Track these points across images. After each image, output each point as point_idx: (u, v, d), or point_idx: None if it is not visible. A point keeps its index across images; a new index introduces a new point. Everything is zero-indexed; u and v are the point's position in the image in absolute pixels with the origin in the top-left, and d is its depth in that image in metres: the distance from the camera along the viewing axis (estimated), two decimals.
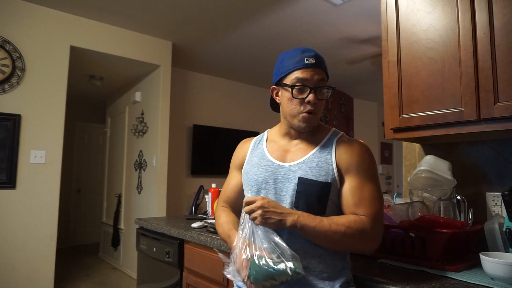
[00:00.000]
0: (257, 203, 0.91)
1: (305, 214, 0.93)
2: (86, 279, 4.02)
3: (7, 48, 2.82)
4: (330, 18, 3.26)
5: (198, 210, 2.79)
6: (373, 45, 3.90)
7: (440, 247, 1.12)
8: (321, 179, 0.97)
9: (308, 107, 1.00)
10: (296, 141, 1.08)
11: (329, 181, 0.97)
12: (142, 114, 4.12)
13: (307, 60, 0.99)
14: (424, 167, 1.36)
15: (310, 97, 0.99)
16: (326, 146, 1.04)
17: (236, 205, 1.19)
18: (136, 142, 4.22)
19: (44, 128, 2.98)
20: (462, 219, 1.31)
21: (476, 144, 1.45)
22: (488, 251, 1.22)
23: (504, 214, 1.24)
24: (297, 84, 1.00)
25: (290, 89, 1.01)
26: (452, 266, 1.07)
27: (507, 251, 1.17)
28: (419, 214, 1.33)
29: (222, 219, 1.15)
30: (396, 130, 1.38)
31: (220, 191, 2.68)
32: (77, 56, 3.37)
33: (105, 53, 3.38)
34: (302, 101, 1.00)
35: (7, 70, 2.80)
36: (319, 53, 1.04)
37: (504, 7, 1.10)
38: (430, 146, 1.61)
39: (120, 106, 4.77)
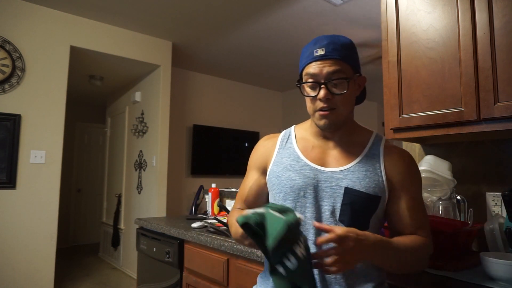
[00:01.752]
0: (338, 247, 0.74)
1: (380, 239, 0.81)
2: (86, 279, 4.02)
3: (7, 48, 2.82)
4: (330, 18, 3.26)
5: (198, 210, 2.79)
6: (373, 45, 3.90)
7: (440, 247, 1.12)
8: (370, 191, 0.87)
9: (321, 105, 0.89)
10: (332, 142, 0.96)
11: (379, 195, 0.88)
12: (142, 114, 4.12)
13: (316, 52, 0.89)
14: (424, 167, 1.36)
15: (321, 93, 0.88)
16: (372, 153, 0.93)
17: (252, 204, 1.07)
18: (136, 142, 4.22)
19: (44, 128, 2.98)
20: (462, 219, 1.31)
21: (476, 144, 1.45)
22: (488, 251, 1.22)
23: (504, 214, 1.24)
24: (308, 81, 0.90)
25: (303, 87, 0.92)
26: (452, 266, 1.07)
27: (507, 251, 1.17)
28: None
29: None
30: (396, 130, 1.38)
31: (220, 191, 2.69)
32: (77, 56, 3.37)
33: (105, 53, 3.38)
34: (315, 98, 0.90)
35: (7, 70, 2.80)
36: (338, 39, 0.91)
37: (504, 7, 1.10)
38: (430, 146, 1.61)
39: (120, 106, 4.77)
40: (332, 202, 0.88)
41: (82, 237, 5.95)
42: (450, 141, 1.51)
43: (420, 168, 1.38)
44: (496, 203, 1.36)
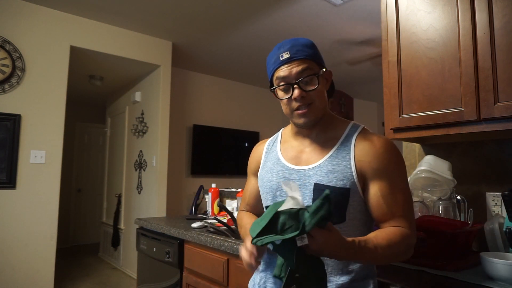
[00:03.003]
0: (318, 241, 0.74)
1: (361, 239, 0.81)
2: (86, 279, 4.02)
3: (7, 48, 2.82)
4: (330, 18, 3.26)
5: (198, 210, 2.79)
6: (373, 46, 3.90)
7: (440, 247, 1.12)
8: (338, 184, 0.88)
9: (297, 104, 0.92)
10: (309, 140, 0.99)
11: (348, 186, 0.88)
12: (142, 114, 4.12)
13: (281, 56, 0.93)
14: (424, 167, 1.36)
15: (295, 93, 0.91)
16: (344, 145, 0.93)
17: (257, 210, 1.14)
18: (136, 142, 4.22)
19: (44, 128, 2.98)
20: (462, 219, 1.31)
21: (476, 144, 1.45)
22: (488, 251, 1.22)
23: (504, 214, 1.24)
24: (280, 84, 0.94)
25: (276, 92, 0.96)
26: (452, 266, 1.07)
27: (507, 251, 1.17)
28: (419, 214, 1.33)
29: (245, 220, 1.10)
30: (396, 130, 1.38)
31: (220, 191, 2.69)
32: (77, 56, 3.37)
33: (105, 53, 3.38)
34: (290, 100, 0.93)
35: (7, 70, 2.80)
36: (299, 42, 0.94)
37: (504, 7, 1.10)
38: (430, 146, 1.61)
39: (120, 106, 4.77)
40: (305, 199, 0.91)
41: (82, 237, 5.95)
42: (450, 141, 1.51)
43: (420, 168, 1.38)
44: (496, 203, 1.36)
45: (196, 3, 2.98)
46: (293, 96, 0.92)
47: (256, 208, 1.14)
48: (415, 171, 1.40)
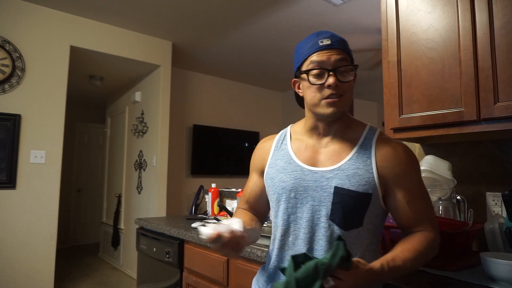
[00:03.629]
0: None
1: (389, 259, 0.80)
2: (86, 279, 4.02)
3: (7, 48, 2.82)
4: (330, 18, 3.26)
5: (198, 210, 2.79)
6: (373, 45, 3.89)
7: (440, 247, 1.12)
8: (360, 189, 0.86)
9: (329, 92, 0.88)
10: (326, 139, 0.95)
11: (370, 192, 0.87)
12: (142, 114, 4.12)
13: (321, 42, 0.90)
14: (424, 167, 1.36)
15: (330, 80, 0.87)
16: (364, 148, 0.91)
17: (256, 208, 1.11)
18: (136, 142, 4.22)
19: (44, 128, 2.98)
20: (462, 219, 1.31)
21: (476, 144, 1.45)
22: (488, 251, 1.22)
23: (504, 214, 1.25)
24: (315, 68, 0.89)
25: (306, 76, 0.90)
26: (452, 266, 1.07)
27: (507, 251, 1.17)
28: None
29: (237, 216, 1.06)
30: (396, 130, 1.38)
31: (220, 191, 2.69)
32: (77, 56, 3.37)
33: (105, 53, 3.38)
34: (322, 87, 0.89)
35: (7, 70, 2.80)
36: (337, 35, 0.93)
37: (504, 7, 1.10)
38: (430, 146, 1.61)
39: (120, 106, 4.77)
40: (323, 202, 0.88)
41: (82, 237, 5.95)
42: (450, 141, 1.51)
43: (420, 168, 1.38)
44: (496, 203, 1.36)
45: (196, 3, 2.98)
46: (327, 83, 0.88)
47: (255, 206, 1.10)
48: None
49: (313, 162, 0.93)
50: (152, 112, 3.92)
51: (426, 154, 1.55)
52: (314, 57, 0.90)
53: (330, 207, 0.87)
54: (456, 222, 1.20)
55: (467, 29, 1.17)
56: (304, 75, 0.91)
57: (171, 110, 4.04)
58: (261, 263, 1.33)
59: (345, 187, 0.86)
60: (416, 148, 1.68)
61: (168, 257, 1.86)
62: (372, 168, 0.88)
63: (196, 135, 4.77)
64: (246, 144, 5.34)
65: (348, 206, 0.86)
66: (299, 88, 0.98)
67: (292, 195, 0.92)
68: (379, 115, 6.98)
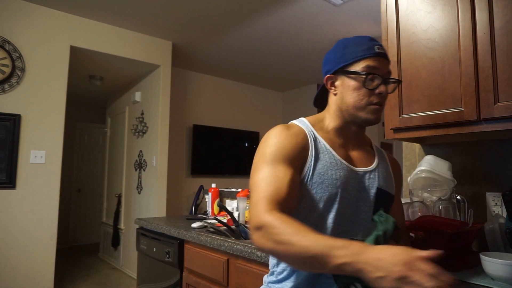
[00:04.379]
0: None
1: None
2: (86, 279, 4.02)
3: (7, 48, 2.82)
4: (330, 18, 3.26)
5: (198, 210, 2.79)
6: None
7: (440, 247, 1.12)
8: (391, 191, 0.97)
9: (377, 99, 0.89)
10: (353, 142, 0.98)
11: (393, 194, 0.99)
12: (142, 114, 4.12)
13: (378, 48, 0.90)
14: (424, 167, 1.36)
15: (382, 87, 0.89)
16: (380, 154, 1.03)
17: (291, 208, 0.81)
18: (136, 142, 4.22)
19: (44, 128, 2.98)
20: (462, 219, 1.31)
21: (476, 144, 1.45)
22: (488, 251, 1.22)
23: (504, 214, 1.24)
24: (371, 72, 0.88)
25: (358, 77, 0.89)
26: (452, 266, 1.07)
27: (507, 251, 1.17)
28: (419, 214, 1.33)
29: (299, 225, 0.71)
30: (396, 130, 1.38)
31: (220, 191, 2.69)
32: (77, 56, 3.37)
33: (105, 53, 3.38)
34: (372, 92, 0.89)
35: (7, 70, 2.80)
36: None
37: (504, 7, 1.10)
38: (430, 146, 1.61)
39: (120, 106, 4.77)
40: (367, 202, 0.91)
41: (82, 237, 5.95)
42: (450, 141, 1.51)
43: (420, 168, 1.38)
44: (496, 203, 1.36)
45: (196, 3, 2.98)
46: (378, 90, 0.89)
47: (291, 206, 0.81)
48: (415, 171, 1.40)
49: (350, 162, 0.93)
50: (152, 112, 3.92)
51: (426, 154, 1.55)
52: (371, 62, 0.89)
53: (372, 207, 0.91)
54: (456, 222, 1.20)
55: (467, 29, 1.17)
56: (355, 76, 0.89)
57: (171, 110, 4.04)
58: (261, 263, 1.33)
59: (384, 188, 0.94)
60: (416, 148, 1.68)
61: (168, 257, 1.86)
62: (391, 173, 1.01)
63: (196, 135, 4.77)
64: (246, 144, 5.34)
65: (387, 207, 0.94)
66: (332, 86, 0.94)
67: (345, 194, 0.87)
68: None
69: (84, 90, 4.91)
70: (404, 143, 1.73)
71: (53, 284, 2.97)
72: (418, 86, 1.30)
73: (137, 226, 2.42)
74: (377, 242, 0.72)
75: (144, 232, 2.15)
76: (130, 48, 3.54)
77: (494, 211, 1.36)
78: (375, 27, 3.41)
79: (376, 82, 0.89)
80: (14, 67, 2.84)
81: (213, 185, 2.62)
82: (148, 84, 4.04)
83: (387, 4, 1.43)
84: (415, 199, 1.41)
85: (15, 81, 2.85)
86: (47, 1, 2.96)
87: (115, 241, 4.47)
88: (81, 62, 3.59)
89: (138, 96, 4.20)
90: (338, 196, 0.86)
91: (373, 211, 0.90)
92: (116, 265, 4.53)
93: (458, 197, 1.33)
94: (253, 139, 5.37)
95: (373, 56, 0.89)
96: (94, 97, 5.48)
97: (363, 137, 1.01)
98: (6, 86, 2.80)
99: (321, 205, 0.85)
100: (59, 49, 3.10)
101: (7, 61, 2.81)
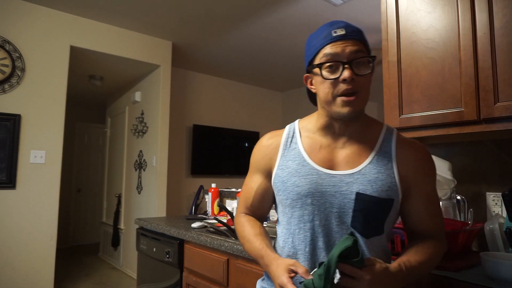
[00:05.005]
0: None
1: (404, 260, 0.79)
2: (86, 279, 4.02)
3: (7, 48, 2.82)
4: (330, 18, 3.25)
5: (198, 210, 2.79)
6: (374, 45, 3.89)
7: None
8: (383, 195, 0.81)
9: (344, 87, 0.80)
10: (342, 140, 0.88)
11: (392, 198, 0.82)
12: (142, 114, 4.12)
13: (335, 32, 0.81)
14: None
15: (345, 73, 0.79)
16: (384, 150, 0.86)
17: (260, 212, 1.01)
18: (136, 142, 4.22)
19: (44, 128, 2.98)
20: (462, 219, 1.31)
21: (476, 144, 1.45)
22: (488, 251, 1.22)
23: (504, 214, 1.24)
24: (328, 61, 0.81)
25: (319, 70, 0.82)
26: (452, 266, 1.07)
27: (507, 251, 1.17)
28: None
29: (248, 231, 0.95)
30: (396, 130, 1.38)
31: (220, 191, 2.69)
32: (77, 56, 3.37)
33: (105, 53, 3.38)
34: (336, 82, 0.81)
35: (7, 70, 2.80)
36: (352, 25, 0.85)
37: (504, 7, 1.10)
38: (430, 146, 1.61)
39: (120, 106, 4.77)
40: (342, 208, 0.82)
41: (82, 237, 5.95)
42: (450, 141, 1.51)
43: None
44: (496, 203, 1.36)
45: (196, 3, 2.98)
46: (342, 77, 0.80)
47: (259, 210, 1.00)
48: None
49: (330, 165, 0.86)
50: (152, 112, 3.92)
51: None
52: (328, 49, 0.81)
53: (350, 213, 0.81)
54: (456, 222, 1.20)
55: (467, 29, 1.17)
56: (317, 69, 0.83)
57: (171, 110, 4.04)
58: None
59: (367, 193, 0.80)
60: None
61: (168, 257, 1.86)
62: (394, 172, 0.83)
63: (196, 135, 4.77)
64: (246, 144, 5.34)
65: (371, 213, 0.81)
66: (311, 84, 0.90)
67: (309, 201, 0.84)
68: (379, 115, 6.99)
69: (84, 90, 4.90)
70: None
71: (53, 284, 2.97)
72: (418, 86, 1.30)
73: (137, 226, 2.42)
74: (328, 271, 0.69)
75: (144, 232, 2.15)
76: (130, 48, 3.54)
77: (494, 211, 1.36)
78: (375, 27, 3.41)
79: (340, 69, 0.80)
80: (14, 67, 2.84)
81: (213, 185, 2.62)
82: (148, 84, 4.04)
83: (387, 4, 1.43)
84: None
85: (15, 81, 2.85)
86: (47, 1, 2.96)
87: (115, 241, 4.47)
88: (81, 62, 3.59)
89: (138, 96, 4.20)
90: (300, 203, 0.85)
91: (352, 218, 0.81)
92: (116, 265, 4.52)
93: (458, 197, 1.33)
94: (253, 139, 5.37)
95: (330, 42, 0.81)
96: (94, 97, 5.48)
97: (362, 131, 0.88)
98: (6, 86, 2.80)
99: (285, 210, 0.90)
100: (59, 49, 3.10)
101: (7, 61, 2.81)
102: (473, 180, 1.44)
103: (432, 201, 0.87)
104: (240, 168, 5.15)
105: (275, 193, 0.93)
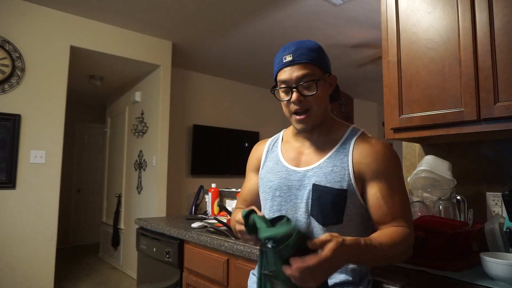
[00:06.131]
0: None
1: (365, 238, 0.80)
2: (86, 279, 4.02)
3: (7, 48, 2.82)
4: (330, 19, 3.26)
5: (198, 210, 2.79)
6: (373, 46, 3.90)
7: (440, 247, 1.12)
8: (335, 185, 0.91)
9: (295, 107, 0.95)
10: (309, 142, 1.02)
11: (345, 188, 0.91)
12: (142, 114, 4.12)
13: (284, 58, 0.95)
14: (424, 167, 1.36)
15: (293, 96, 0.94)
16: (343, 147, 0.96)
17: (257, 204, 1.15)
18: (136, 142, 4.22)
19: (44, 128, 2.98)
20: (462, 219, 1.31)
21: (476, 144, 1.45)
22: (489, 251, 1.22)
23: (504, 214, 1.24)
24: (281, 86, 0.97)
25: (278, 92, 0.99)
26: (452, 266, 1.07)
27: (507, 251, 1.17)
28: (419, 214, 1.33)
29: (237, 213, 1.05)
30: (396, 130, 1.38)
31: (220, 191, 2.69)
32: (77, 56, 3.37)
33: (105, 53, 3.38)
34: (289, 102, 0.96)
35: (7, 70, 2.80)
36: (304, 45, 0.95)
37: (504, 7, 1.10)
38: (430, 146, 1.61)
39: (120, 106, 4.77)
40: (304, 199, 0.94)
41: (82, 237, 5.95)
42: (450, 141, 1.51)
43: (420, 168, 1.38)
44: (496, 203, 1.36)
45: (196, 3, 2.98)
46: (291, 99, 0.95)
47: (253, 205, 1.14)
48: (415, 171, 1.40)
49: (297, 163, 1.01)
50: (152, 112, 3.92)
51: (426, 154, 1.55)
52: (280, 75, 0.96)
53: (309, 203, 0.93)
54: (456, 222, 1.20)
55: (467, 29, 1.17)
56: (277, 91, 0.99)
57: (171, 110, 4.05)
58: None
59: (322, 184, 0.92)
60: (416, 148, 1.68)
61: (168, 257, 1.86)
62: (348, 165, 0.93)
63: (196, 135, 4.77)
64: (246, 144, 5.34)
65: (325, 202, 0.91)
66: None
67: (277, 193, 0.99)
68: (379, 115, 6.99)
69: (84, 90, 4.91)
70: (404, 143, 1.73)
71: (53, 284, 2.97)
72: (418, 86, 1.30)
73: (137, 226, 2.42)
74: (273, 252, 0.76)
75: (144, 232, 2.15)
76: (130, 48, 3.54)
77: (494, 211, 1.36)
78: (375, 27, 3.41)
79: (289, 92, 0.95)
80: (14, 67, 2.84)
81: (213, 185, 2.62)
82: (148, 84, 4.04)
83: (387, 4, 1.43)
84: (415, 199, 1.41)
85: (15, 81, 2.85)
86: (47, 1, 2.96)
87: (115, 241, 4.47)
88: (81, 62, 3.59)
89: (138, 96, 4.20)
90: (270, 195, 1.01)
91: (310, 206, 0.92)
92: (116, 265, 4.53)
93: (458, 197, 1.33)
94: (253, 139, 5.37)
95: (282, 68, 0.96)
96: (94, 97, 5.48)
97: (328, 133, 1.00)
98: (6, 86, 2.80)
99: (262, 202, 1.07)
100: (59, 49, 3.10)
101: (7, 61, 2.81)
102: (473, 180, 1.44)
103: (392, 191, 0.90)
104: (240, 168, 5.15)
105: (259, 190, 1.10)
